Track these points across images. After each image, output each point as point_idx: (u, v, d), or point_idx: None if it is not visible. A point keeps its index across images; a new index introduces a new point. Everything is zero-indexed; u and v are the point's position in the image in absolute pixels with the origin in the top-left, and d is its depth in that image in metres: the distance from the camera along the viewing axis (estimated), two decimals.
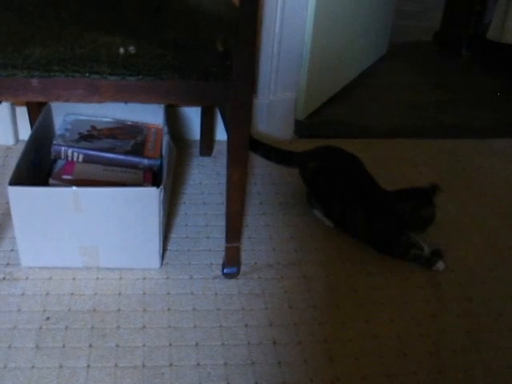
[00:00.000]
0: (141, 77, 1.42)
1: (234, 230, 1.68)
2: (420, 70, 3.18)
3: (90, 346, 1.47)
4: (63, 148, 1.82)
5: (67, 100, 1.42)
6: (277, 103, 2.32)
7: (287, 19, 2.17)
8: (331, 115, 2.63)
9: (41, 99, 1.44)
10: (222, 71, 1.45)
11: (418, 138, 2.53)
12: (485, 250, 1.93)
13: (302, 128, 2.47)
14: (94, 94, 1.43)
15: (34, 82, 1.39)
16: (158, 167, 1.86)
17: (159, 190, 1.60)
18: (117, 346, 1.48)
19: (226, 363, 1.46)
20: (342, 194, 1.89)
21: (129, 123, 2.03)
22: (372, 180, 1.90)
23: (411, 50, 3.38)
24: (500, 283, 1.80)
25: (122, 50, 1.40)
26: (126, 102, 1.48)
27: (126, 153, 1.86)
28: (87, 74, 1.39)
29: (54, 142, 1.84)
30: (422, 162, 2.34)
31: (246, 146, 1.55)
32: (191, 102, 1.58)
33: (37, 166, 1.80)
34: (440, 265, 1.81)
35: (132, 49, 1.41)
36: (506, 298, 1.74)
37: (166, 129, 1.94)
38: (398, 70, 3.15)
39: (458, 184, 2.24)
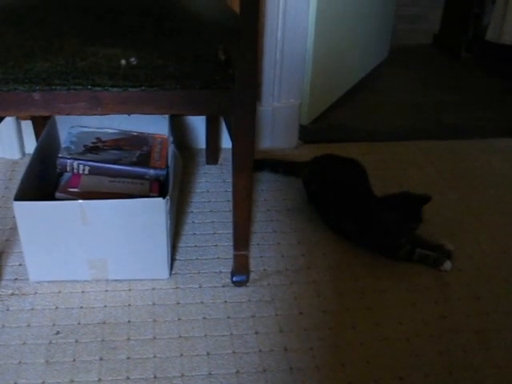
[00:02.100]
0: (143, 88, 1.42)
1: (241, 238, 1.68)
2: (421, 73, 3.18)
3: (101, 359, 1.47)
4: (69, 161, 1.82)
5: (70, 113, 1.43)
6: (281, 110, 2.32)
7: (289, 25, 2.17)
8: (335, 120, 2.63)
9: (43, 113, 1.44)
10: (224, 80, 1.46)
11: (421, 139, 2.52)
12: (491, 249, 1.92)
13: (307, 133, 2.47)
14: (96, 107, 1.43)
15: (36, 96, 1.40)
16: (164, 177, 1.86)
17: (166, 200, 1.60)
18: (128, 358, 1.48)
19: (237, 371, 1.46)
20: (335, 202, 1.91)
21: (134, 134, 2.04)
22: (367, 188, 1.91)
23: (412, 54, 3.38)
24: (507, 282, 1.79)
25: (123, 62, 1.41)
26: (129, 114, 1.48)
27: (132, 164, 1.87)
28: (89, 87, 1.40)
29: (60, 155, 1.84)
30: (425, 164, 2.34)
31: (252, 153, 1.55)
32: (195, 112, 1.58)
33: (43, 180, 1.81)
34: (447, 265, 1.81)
35: (133, 60, 1.41)
36: None
37: (171, 138, 1.94)
38: (400, 73, 3.15)
39: (462, 184, 2.24)
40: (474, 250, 1.91)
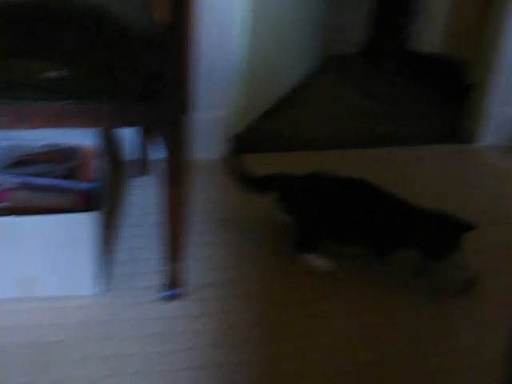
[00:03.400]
0: (72, 101, 1.40)
1: (174, 252, 1.67)
2: (350, 83, 3.21)
3: (31, 382, 1.44)
4: None
5: None
6: (212, 120, 2.31)
7: (219, 36, 2.17)
8: (267, 129, 2.64)
9: None
10: (153, 92, 1.44)
11: (353, 148, 2.55)
12: None
13: (238, 143, 2.47)
14: (22, 121, 1.40)
15: None
16: (94, 190, 1.83)
17: (94, 214, 1.57)
18: (58, 379, 1.45)
19: None
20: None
21: (64, 146, 2.00)
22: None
23: (341, 63, 3.42)
24: None
25: (51, 74, 1.38)
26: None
27: (62, 177, 1.83)
28: (13, 101, 1.36)
29: None
30: (357, 172, 2.36)
31: (184, 166, 1.55)
32: (125, 125, 1.57)
33: None
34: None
35: (61, 72, 1.39)
36: None
37: (101, 150, 1.91)
38: (330, 82, 3.18)
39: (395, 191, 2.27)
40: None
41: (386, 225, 1.80)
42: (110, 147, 2.29)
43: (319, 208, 1.85)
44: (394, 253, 1.79)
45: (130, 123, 1.60)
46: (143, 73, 1.45)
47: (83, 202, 1.80)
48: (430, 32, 3.05)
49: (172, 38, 1.43)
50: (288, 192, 1.90)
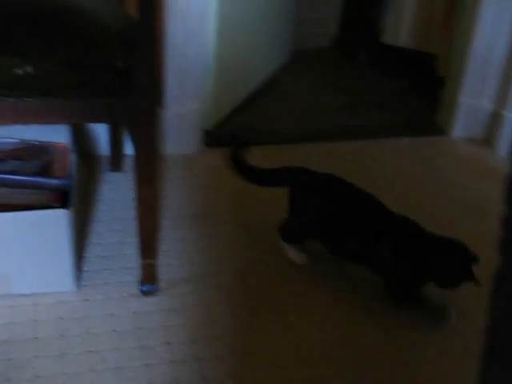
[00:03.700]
0: (39, 98, 1.39)
1: (148, 246, 1.67)
2: (321, 76, 3.22)
3: (8, 379, 1.43)
4: None
5: None
6: (183, 115, 2.30)
7: (190, 31, 2.16)
8: (239, 123, 2.64)
9: None
10: (123, 88, 1.44)
11: (324, 141, 2.56)
12: None
13: (211, 138, 2.47)
14: None
15: None
16: (67, 187, 1.82)
17: (68, 210, 1.57)
18: (35, 376, 1.44)
19: None
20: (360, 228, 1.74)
21: (35, 143, 1.98)
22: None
23: (312, 57, 3.43)
24: None
25: (18, 71, 1.37)
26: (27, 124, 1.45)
27: (34, 174, 1.81)
28: None
29: None
30: (329, 166, 2.36)
31: (154, 161, 1.54)
32: (94, 121, 1.56)
33: None
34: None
35: (26, 69, 1.38)
36: None
37: (72, 146, 1.90)
38: (301, 76, 3.19)
39: (362, 184, 2.27)
40: None
41: (396, 257, 1.68)
42: (83, 143, 2.27)
43: (323, 209, 1.78)
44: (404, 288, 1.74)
45: (98, 119, 1.59)
46: (111, 68, 1.44)
47: (57, 199, 1.78)
48: (401, 25, 3.07)
49: (140, 32, 1.42)
50: (299, 183, 1.84)
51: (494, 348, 0.80)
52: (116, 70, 1.44)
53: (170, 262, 1.82)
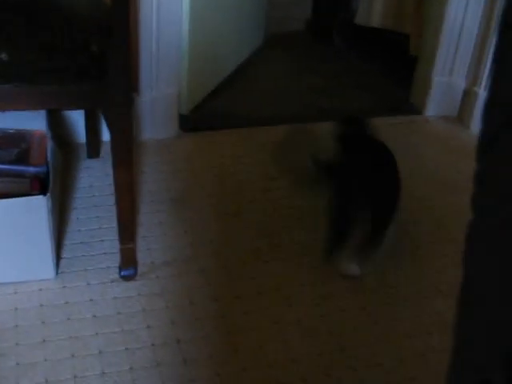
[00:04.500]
0: (15, 84, 1.38)
1: (126, 231, 1.67)
2: (295, 59, 3.23)
3: None
4: None
5: None
6: (159, 100, 2.30)
7: (163, 15, 2.15)
8: (215, 107, 2.64)
9: None
10: (97, 73, 1.44)
11: (300, 123, 2.56)
12: None
13: (188, 122, 2.47)
14: None
15: None
16: (44, 174, 1.81)
17: (46, 197, 1.56)
18: (17, 364, 1.44)
19: (131, 368, 1.45)
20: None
21: (11, 131, 1.96)
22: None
23: (286, 40, 3.43)
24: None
25: None
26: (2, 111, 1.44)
27: (11, 162, 1.81)
28: None
29: None
30: (304, 146, 2.38)
31: (130, 146, 1.54)
32: (70, 107, 1.56)
33: None
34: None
35: (2, 56, 1.37)
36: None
37: (49, 134, 1.89)
38: (275, 59, 3.19)
39: None
40: None
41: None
42: (60, 130, 2.26)
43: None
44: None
45: (73, 105, 1.59)
46: (86, 54, 1.44)
47: (35, 187, 1.78)
48: (374, 6, 3.08)
49: (114, 17, 1.41)
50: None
51: (469, 301, 0.82)
52: (91, 55, 1.44)
53: (150, 246, 1.83)
